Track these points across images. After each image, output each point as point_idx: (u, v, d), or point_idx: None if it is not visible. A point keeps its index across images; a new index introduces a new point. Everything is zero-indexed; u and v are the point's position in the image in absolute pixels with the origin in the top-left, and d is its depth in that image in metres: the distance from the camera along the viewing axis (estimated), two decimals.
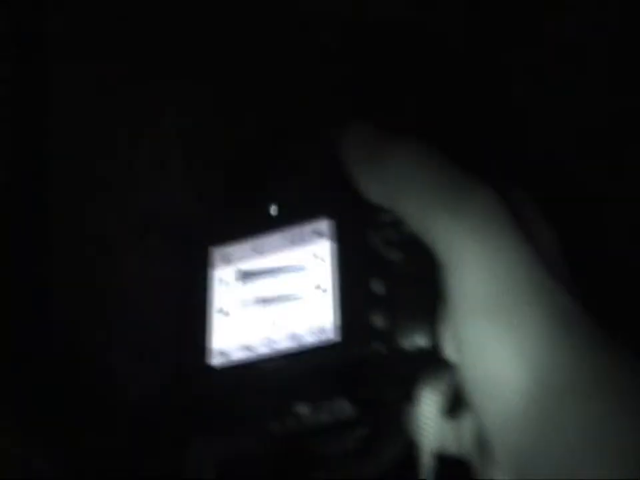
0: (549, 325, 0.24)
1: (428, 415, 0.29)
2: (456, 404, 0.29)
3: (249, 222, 0.31)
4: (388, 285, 0.28)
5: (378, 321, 0.27)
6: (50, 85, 0.44)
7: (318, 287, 0.28)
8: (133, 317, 0.41)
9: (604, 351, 0.24)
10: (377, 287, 0.28)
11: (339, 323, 0.28)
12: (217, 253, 0.32)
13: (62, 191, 0.44)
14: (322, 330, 0.28)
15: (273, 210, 0.31)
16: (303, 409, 0.29)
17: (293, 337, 0.28)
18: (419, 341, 0.27)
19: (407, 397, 0.29)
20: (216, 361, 0.29)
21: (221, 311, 0.30)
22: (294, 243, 0.30)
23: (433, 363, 0.28)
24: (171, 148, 0.41)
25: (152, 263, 0.40)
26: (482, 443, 0.29)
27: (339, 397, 0.29)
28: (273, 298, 0.30)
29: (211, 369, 0.29)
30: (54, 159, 0.44)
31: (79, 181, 0.44)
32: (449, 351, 0.27)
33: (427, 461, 0.29)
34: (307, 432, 0.30)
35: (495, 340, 0.24)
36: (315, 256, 0.29)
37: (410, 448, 0.31)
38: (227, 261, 0.31)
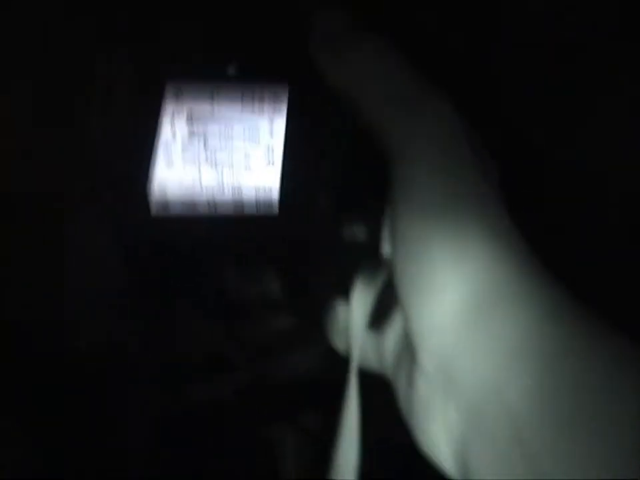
0: (491, 240, 0.25)
1: (357, 319, 0.30)
2: (384, 309, 0.29)
3: (208, 70, 0.30)
4: (336, 168, 0.29)
5: (322, 201, 0.28)
6: None
7: (268, 158, 0.28)
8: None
9: (532, 270, 0.25)
10: (327, 168, 0.28)
11: (283, 197, 0.28)
12: (171, 88, 0.30)
13: None
14: (265, 202, 0.28)
15: (232, 68, 0.30)
16: (231, 278, 0.29)
17: (236, 203, 0.28)
18: (358, 231, 0.28)
19: (336, 289, 0.30)
20: (156, 210, 0.29)
21: (166, 155, 0.29)
22: (250, 102, 0.29)
23: (369, 256, 0.29)
24: None
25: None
26: (407, 349, 0.29)
27: (270, 275, 0.30)
28: (220, 159, 0.29)
29: (150, 218, 0.29)
30: None
31: None
32: (387, 247, 0.28)
33: (352, 375, 0.29)
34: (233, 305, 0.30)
35: (438, 239, 0.25)
36: (270, 121, 0.29)
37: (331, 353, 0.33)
38: (180, 101, 0.30)
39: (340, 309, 0.33)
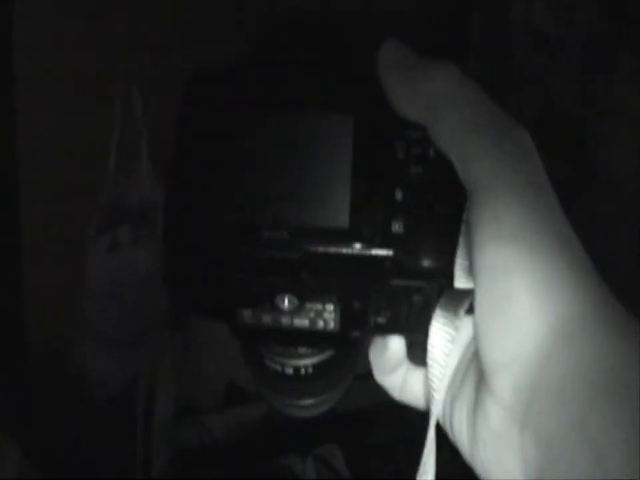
0: (574, 271, 0.24)
1: (439, 351, 0.28)
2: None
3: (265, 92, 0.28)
4: (406, 195, 0.27)
5: (393, 225, 0.27)
6: None
7: (335, 176, 0.27)
8: None
9: (612, 301, 0.24)
10: (397, 194, 0.27)
11: (353, 214, 0.27)
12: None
13: None
14: (335, 217, 0.27)
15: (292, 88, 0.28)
16: (290, 303, 0.28)
17: (302, 214, 0.27)
18: (426, 259, 0.27)
19: (400, 319, 0.29)
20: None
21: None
22: (312, 128, 0.28)
23: (439, 285, 0.27)
24: None
25: None
26: (469, 379, 0.28)
27: (327, 299, 0.28)
28: (287, 171, 0.27)
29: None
30: None
31: None
32: (458, 276, 0.27)
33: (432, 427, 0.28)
34: (280, 330, 0.29)
35: (521, 269, 0.24)
36: (334, 148, 0.27)
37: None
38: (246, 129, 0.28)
39: (392, 344, 0.33)
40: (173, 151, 0.27)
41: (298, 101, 0.28)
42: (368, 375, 0.33)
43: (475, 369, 0.28)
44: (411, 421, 0.32)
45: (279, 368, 0.32)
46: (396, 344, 0.31)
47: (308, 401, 0.34)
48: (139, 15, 0.74)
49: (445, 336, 0.28)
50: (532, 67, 0.95)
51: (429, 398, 0.29)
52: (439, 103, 0.27)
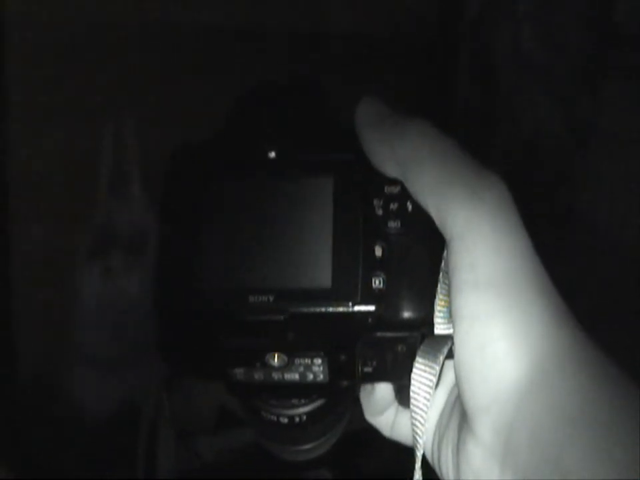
0: (549, 313, 0.25)
1: (421, 397, 0.28)
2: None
3: (247, 161, 0.29)
4: (385, 250, 0.28)
5: (374, 281, 0.28)
6: None
7: (316, 237, 0.28)
8: None
9: (586, 340, 0.25)
10: (376, 250, 0.28)
11: (335, 273, 0.28)
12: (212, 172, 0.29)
13: None
14: (317, 277, 0.28)
15: (272, 154, 0.29)
16: (279, 360, 0.29)
17: (286, 277, 0.28)
18: (407, 312, 0.27)
19: (386, 367, 0.29)
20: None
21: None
22: (293, 193, 0.29)
23: (420, 334, 0.28)
24: None
25: None
26: (452, 421, 0.29)
27: (315, 354, 0.29)
28: (270, 236, 0.28)
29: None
30: None
31: None
32: (438, 323, 0.28)
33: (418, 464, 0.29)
34: (272, 385, 0.30)
35: (499, 313, 0.25)
36: (315, 210, 0.28)
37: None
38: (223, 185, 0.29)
39: (380, 388, 0.33)
40: (160, 223, 0.28)
41: (278, 167, 0.28)
42: (358, 402, 0.33)
43: (458, 412, 0.29)
44: (403, 448, 0.33)
45: (274, 418, 0.32)
46: (384, 388, 0.32)
47: (304, 447, 0.34)
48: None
49: (425, 382, 0.28)
50: (519, 91, 0.96)
51: (413, 443, 0.29)
52: (414, 159, 0.28)
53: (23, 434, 0.76)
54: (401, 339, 0.28)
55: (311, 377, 0.29)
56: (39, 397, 0.80)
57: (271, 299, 0.27)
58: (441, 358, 0.28)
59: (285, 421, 0.32)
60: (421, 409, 0.29)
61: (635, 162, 0.88)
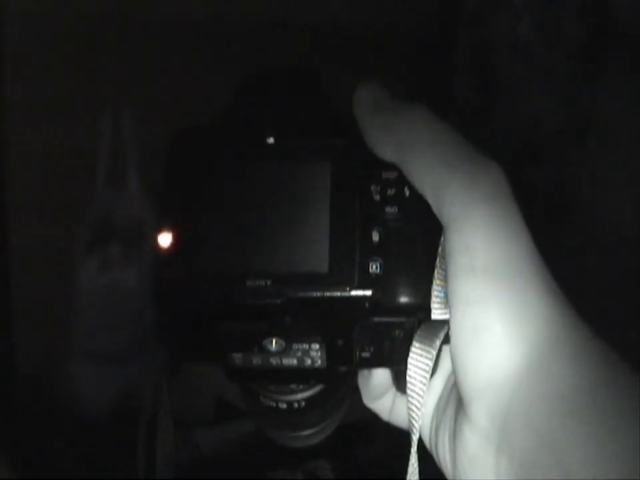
0: (547, 300, 0.25)
1: (417, 381, 0.29)
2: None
3: (246, 146, 0.30)
4: (383, 235, 0.28)
5: (371, 266, 0.28)
6: None
7: (314, 222, 0.28)
8: None
9: (583, 329, 0.25)
10: (373, 235, 0.28)
11: (332, 258, 0.28)
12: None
13: None
14: (315, 262, 0.28)
15: (271, 140, 0.29)
16: (277, 345, 0.29)
17: (283, 261, 0.28)
18: (404, 297, 0.28)
19: (383, 353, 0.29)
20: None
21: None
22: (291, 178, 0.29)
23: (417, 319, 0.28)
24: None
25: None
26: (449, 406, 0.29)
27: (312, 339, 0.29)
28: (268, 220, 0.28)
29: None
30: None
31: None
32: (435, 308, 0.28)
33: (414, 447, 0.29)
34: (270, 370, 0.30)
35: (496, 298, 0.25)
36: (312, 195, 0.28)
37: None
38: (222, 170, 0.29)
39: (378, 373, 0.33)
40: (159, 207, 0.28)
41: (276, 153, 0.28)
42: (357, 389, 0.33)
43: (455, 397, 0.29)
44: (400, 436, 0.33)
45: (273, 404, 0.33)
46: (382, 373, 0.32)
47: (304, 432, 0.34)
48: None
49: (422, 366, 0.29)
50: (517, 80, 0.96)
51: (409, 427, 0.29)
52: (411, 143, 0.28)
53: (23, 434, 0.76)
54: (398, 324, 0.28)
55: (308, 362, 0.29)
56: (39, 396, 0.80)
57: (269, 283, 0.27)
58: (438, 343, 0.28)
59: (284, 406, 0.32)
60: (417, 394, 0.29)
61: (635, 159, 0.88)
